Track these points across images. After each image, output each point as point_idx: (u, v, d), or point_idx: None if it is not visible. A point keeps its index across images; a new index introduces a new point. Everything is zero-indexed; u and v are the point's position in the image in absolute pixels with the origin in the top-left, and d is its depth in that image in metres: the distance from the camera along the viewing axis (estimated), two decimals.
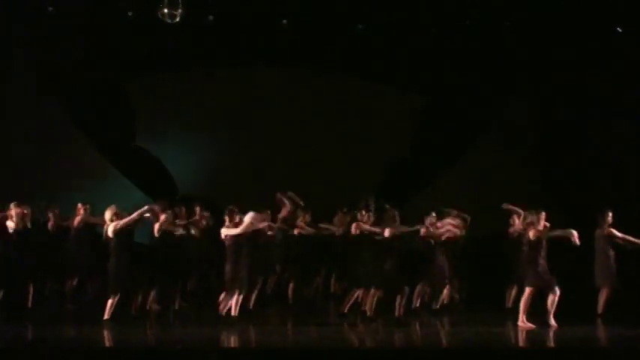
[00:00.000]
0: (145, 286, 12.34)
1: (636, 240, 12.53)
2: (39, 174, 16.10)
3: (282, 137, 17.18)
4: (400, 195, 14.48)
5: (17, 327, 11.36)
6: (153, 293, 12.61)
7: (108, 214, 11.63)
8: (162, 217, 12.44)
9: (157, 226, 12.35)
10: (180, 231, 12.95)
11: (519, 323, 11.63)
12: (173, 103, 17.24)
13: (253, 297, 12.57)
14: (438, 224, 13.03)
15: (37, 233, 12.86)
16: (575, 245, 11.30)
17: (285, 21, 16.51)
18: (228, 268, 11.96)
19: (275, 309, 13.46)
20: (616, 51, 16.18)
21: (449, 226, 13.00)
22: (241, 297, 11.96)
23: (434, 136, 17.42)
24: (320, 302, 14.37)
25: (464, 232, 13.52)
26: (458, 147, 17.49)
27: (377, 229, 12.29)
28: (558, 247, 11.68)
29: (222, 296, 12.15)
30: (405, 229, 12.51)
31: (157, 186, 16.50)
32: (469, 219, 13.64)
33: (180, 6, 14.64)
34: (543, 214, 11.73)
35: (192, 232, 13.36)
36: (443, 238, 12.92)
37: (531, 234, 11.58)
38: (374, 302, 12.22)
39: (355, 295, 12.59)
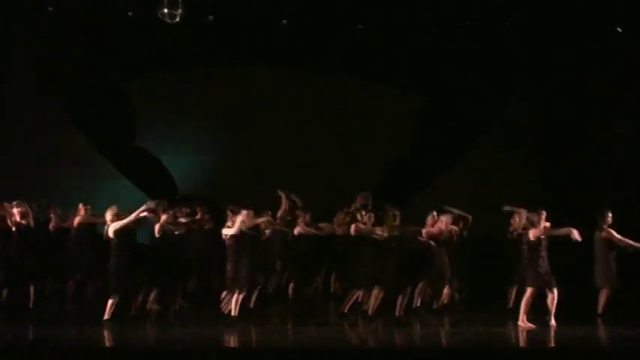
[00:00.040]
0: (145, 286, 12.34)
1: (634, 243, 12.52)
2: (39, 174, 16.10)
3: (282, 137, 17.18)
4: (400, 195, 14.47)
5: (17, 327, 11.35)
6: (153, 293, 12.62)
7: (109, 215, 11.65)
8: (163, 217, 12.46)
9: (157, 226, 12.35)
10: (182, 230, 12.94)
11: (520, 323, 11.63)
12: (173, 103, 17.23)
13: (254, 296, 12.56)
14: (434, 223, 13.04)
15: (38, 233, 12.87)
16: (576, 242, 11.30)
17: (285, 21, 16.51)
18: (229, 267, 11.98)
19: (275, 309, 13.45)
20: (616, 51, 16.17)
21: (441, 224, 12.99)
22: (241, 296, 11.96)
23: (434, 136, 17.41)
24: (320, 302, 14.37)
25: (465, 232, 13.55)
26: (458, 147, 17.49)
27: (376, 229, 12.28)
28: (558, 247, 11.68)
29: (223, 295, 12.16)
30: (406, 228, 12.49)
31: (157, 186, 16.49)
32: (470, 218, 13.65)
33: (180, 6, 14.64)
34: (544, 213, 11.74)
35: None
36: (441, 238, 12.93)
37: (531, 234, 11.58)
38: (377, 302, 12.22)
39: (355, 295, 12.59)
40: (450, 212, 13.36)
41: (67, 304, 13.09)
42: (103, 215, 12.40)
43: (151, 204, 12.03)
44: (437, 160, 17.43)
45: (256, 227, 12.57)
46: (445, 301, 13.44)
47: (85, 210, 13.15)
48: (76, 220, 13.13)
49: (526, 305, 11.66)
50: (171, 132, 17.33)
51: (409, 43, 16.72)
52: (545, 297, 11.63)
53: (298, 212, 14.50)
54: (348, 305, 12.57)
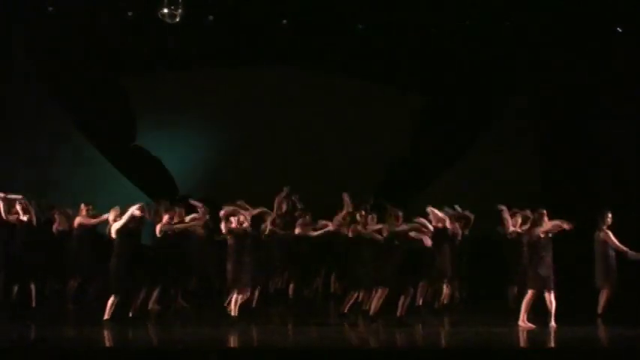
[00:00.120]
0: (146, 286, 12.35)
1: (628, 250, 12.52)
2: (39, 174, 16.10)
3: (282, 137, 17.18)
4: (400, 195, 14.47)
5: (18, 326, 11.34)
6: (154, 293, 12.63)
7: (111, 215, 11.69)
8: (165, 217, 12.49)
9: (159, 226, 12.37)
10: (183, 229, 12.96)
11: (520, 323, 11.64)
12: (173, 103, 17.23)
13: (256, 296, 12.53)
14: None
15: (39, 232, 12.88)
16: (575, 240, 11.31)
17: (285, 21, 16.51)
18: (229, 267, 11.96)
19: (275, 309, 13.45)
20: (616, 51, 16.18)
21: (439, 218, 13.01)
22: (241, 296, 11.95)
23: (434, 136, 17.41)
24: (320, 302, 14.37)
25: (466, 232, 13.57)
26: (458, 147, 17.49)
27: (376, 227, 12.28)
28: (558, 247, 11.69)
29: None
30: (405, 226, 12.47)
31: (157, 186, 16.49)
32: (472, 217, 13.68)
33: (180, 6, 14.65)
34: (544, 212, 11.76)
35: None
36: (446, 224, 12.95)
37: (541, 232, 11.54)
38: (379, 302, 12.23)
39: (355, 295, 12.59)
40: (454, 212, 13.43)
41: (67, 304, 13.09)
42: (102, 215, 12.52)
43: (139, 206, 11.99)
44: (437, 160, 17.43)
45: (256, 222, 12.55)
46: (445, 301, 13.45)
47: (87, 211, 13.15)
48: (77, 221, 13.13)
49: (526, 306, 11.67)
50: (172, 132, 17.34)
51: (409, 43, 16.73)
52: (544, 297, 11.64)
53: (298, 213, 14.49)
54: (348, 305, 12.57)
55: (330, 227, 13.78)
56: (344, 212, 13.68)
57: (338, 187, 15.74)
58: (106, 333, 11.04)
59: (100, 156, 17.18)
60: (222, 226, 12.19)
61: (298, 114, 17.04)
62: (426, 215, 12.91)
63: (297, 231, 14.15)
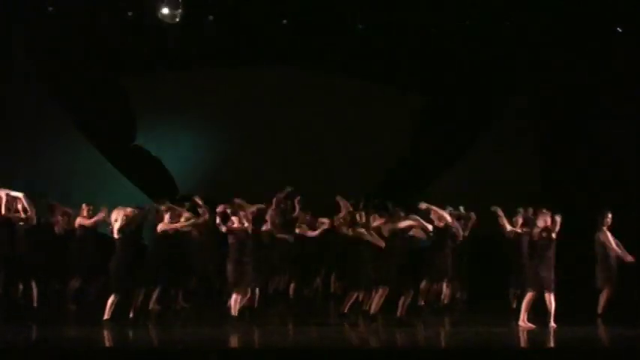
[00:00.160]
0: (146, 286, 12.35)
1: (621, 253, 12.53)
2: (39, 174, 16.10)
3: (282, 137, 17.18)
4: (400, 195, 14.47)
5: (18, 326, 11.34)
6: (155, 294, 12.63)
7: (114, 215, 11.70)
8: (166, 217, 12.51)
9: (160, 225, 12.40)
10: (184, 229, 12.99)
11: (520, 323, 11.64)
12: (173, 103, 17.23)
13: (257, 296, 12.51)
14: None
15: (40, 232, 12.88)
16: (576, 241, 11.32)
17: (285, 21, 16.50)
18: (230, 267, 11.95)
19: (275, 309, 13.45)
20: (616, 51, 16.18)
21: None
22: (242, 297, 11.94)
23: (434, 136, 17.41)
24: (320, 302, 14.37)
25: (466, 232, 13.59)
26: (458, 147, 17.49)
27: (378, 223, 12.28)
28: (558, 247, 11.69)
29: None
30: (406, 222, 12.46)
31: (157, 186, 16.49)
32: (472, 217, 13.68)
33: (180, 6, 14.66)
34: (544, 211, 11.77)
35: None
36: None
37: (553, 234, 11.53)
38: (380, 301, 12.23)
39: (355, 295, 12.58)
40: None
41: (68, 304, 13.08)
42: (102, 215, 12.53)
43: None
44: (437, 160, 17.43)
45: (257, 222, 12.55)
46: (446, 301, 13.46)
47: (87, 211, 13.15)
48: (78, 221, 13.13)
49: (526, 306, 11.67)
50: (172, 132, 17.34)
51: (409, 43, 16.72)
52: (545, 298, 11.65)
53: (298, 213, 14.47)
54: (348, 305, 12.56)
55: (326, 225, 13.77)
56: (343, 213, 13.66)
57: (338, 187, 15.74)
58: (106, 333, 11.04)
59: (100, 156, 17.18)
60: (218, 220, 12.16)
61: (298, 114, 17.04)
62: (427, 217, 12.94)
63: (297, 231, 14.13)
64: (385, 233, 12.20)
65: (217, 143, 17.26)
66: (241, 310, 11.89)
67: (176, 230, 12.60)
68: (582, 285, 13.09)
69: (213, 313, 12.72)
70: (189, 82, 17.18)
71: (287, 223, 14.23)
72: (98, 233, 13.17)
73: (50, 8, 15.85)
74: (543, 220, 11.63)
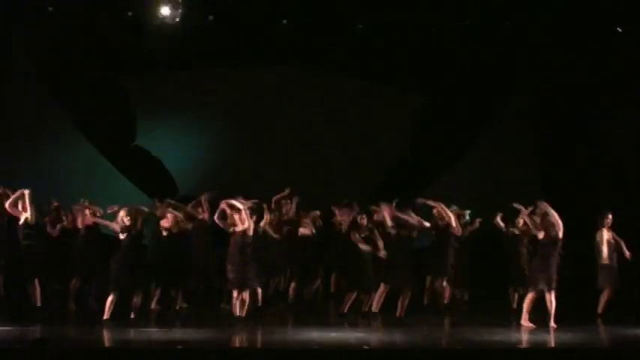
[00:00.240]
0: (146, 286, 12.36)
1: (605, 255, 12.57)
2: (39, 174, 16.08)
3: (282, 137, 17.18)
4: (400, 195, 14.46)
5: (18, 326, 11.34)
6: (155, 294, 12.64)
7: (120, 214, 11.73)
8: (169, 216, 12.53)
9: (162, 223, 12.42)
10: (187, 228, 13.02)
11: (522, 322, 11.65)
12: (173, 103, 17.23)
13: (260, 296, 12.49)
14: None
15: (40, 231, 12.88)
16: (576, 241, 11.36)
17: (285, 21, 16.50)
18: (230, 267, 11.94)
19: (275, 309, 13.45)
20: (616, 51, 16.18)
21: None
22: (242, 297, 11.94)
23: (434, 136, 17.40)
24: (320, 302, 14.37)
25: (466, 233, 13.64)
26: (458, 147, 17.48)
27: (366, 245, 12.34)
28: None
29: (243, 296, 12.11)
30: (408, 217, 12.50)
31: (157, 186, 16.48)
32: (476, 223, 13.73)
33: (180, 6, 14.65)
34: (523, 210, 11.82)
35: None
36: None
37: (559, 233, 11.54)
38: (381, 299, 12.26)
39: (355, 295, 12.58)
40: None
41: (69, 304, 13.08)
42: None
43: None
44: (437, 160, 17.42)
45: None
46: (446, 301, 13.47)
47: (91, 212, 13.16)
48: (82, 221, 13.13)
49: (528, 306, 11.68)
50: (172, 132, 17.33)
51: (409, 43, 16.71)
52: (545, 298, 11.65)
53: (294, 214, 14.43)
54: (348, 305, 12.57)
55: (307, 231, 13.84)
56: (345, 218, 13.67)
57: (338, 187, 15.76)
58: (105, 333, 11.05)
59: (100, 156, 17.17)
60: (217, 217, 12.16)
61: (298, 114, 17.03)
62: (428, 217, 12.97)
63: (300, 231, 14.11)
64: (389, 222, 12.25)
65: (217, 143, 17.25)
66: (241, 310, 11.90)
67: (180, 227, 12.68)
68: (582, 285, 13.09)
69: (213, 313, 12.73)
70: (189, 82, 17.16)
71: (284, 223, 14.23)
72: (102, 234, 13.18)
73: (50, 8, 15.84)
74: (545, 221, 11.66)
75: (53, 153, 16.67)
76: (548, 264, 11.56)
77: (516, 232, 13.36)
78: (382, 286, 12.30)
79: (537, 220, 12.00)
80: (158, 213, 13.05)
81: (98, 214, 12.95)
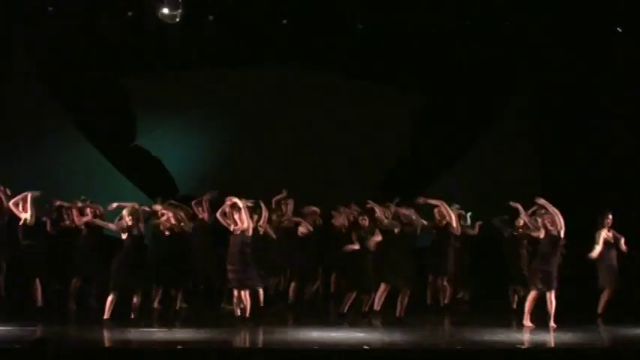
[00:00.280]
0: (147, 286, 12.36)
1: (594, 255, 12.59)
2: (39, 174, 16.09)
3: (282, 137, 17.17)
4: (400, 195, 14.47)
5: (18, 326, 11.34)
6: (155, 294, 12.63)
7: (123, 213, 11.74)
8: (171, 216, 12.53)
9: (163, 221, 12.42)
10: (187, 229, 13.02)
11: (524, 322, 11.66)
12: (173, 103, 17.23)
13: (261, 296, 12.48)
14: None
15: (40, 231, 12.88)
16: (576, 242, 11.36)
17: (285, 21, 16.50)
18: (230, 267, 11.94)
19: (275, 309, 13.44)
20: (616, 51, 16.17)
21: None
22: (243, 297, 11.94)
23: (434, 136, 17.40)
24: (320, 302, 14.37)
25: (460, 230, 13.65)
26: (458, 147, 17.48)
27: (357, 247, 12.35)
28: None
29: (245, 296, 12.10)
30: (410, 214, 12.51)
31: (157, 186, 16.48)
32: (475, 227, 13.74)
33: (180, 6, 14.65)
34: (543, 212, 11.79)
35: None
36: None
37: (562, 233, 11.55)
38: (382, 298, 12.27)
39: (354, 295, 12.58)
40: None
41: (69, 304, 13.08)
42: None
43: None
44: (437, 160, 17.42)
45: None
46: (447, 301, 13.47)
47: (92, 211, 13.16)
48: (84, 221, 13.13)
49: (530, 306, 11.68)
50: (172, 132, 17.33)
51: (409, 43, 16.71)
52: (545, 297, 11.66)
53: (290, 215, 14.41)
54: (348, 305, 12.57)
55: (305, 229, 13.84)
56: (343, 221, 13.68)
57: (338, 187, 15.75)
58: (105, 333, 11.05)
59: (100, 156, 17.17)
60: (219, 213, 12.16)
61: (298, 114, 17.03)
62: (428, 217, 12.98)
63: (300, 231, 14.10)
64: (388, 216, 12.27)
65: (217, 143, 17.25)
66: (241, 310, 11.90)
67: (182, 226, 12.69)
68: (582, 285, 13.09)
69: (213, 313, 12.72)
70: (189, 82, 17.16)
71: (281, 224, 14.22)
72: (103, 234, 13.18)
73: (50, 8, 15.84)
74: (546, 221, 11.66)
75: (53, 153, 16.67)
76: (549, 263, 11.56)
77: (515, 233, 13.34)
78: (382, 286, 12.31)
79: (538, 220, 11.99)
80: (158, 213, 13.04)
81: (98, 213, 12.97)
